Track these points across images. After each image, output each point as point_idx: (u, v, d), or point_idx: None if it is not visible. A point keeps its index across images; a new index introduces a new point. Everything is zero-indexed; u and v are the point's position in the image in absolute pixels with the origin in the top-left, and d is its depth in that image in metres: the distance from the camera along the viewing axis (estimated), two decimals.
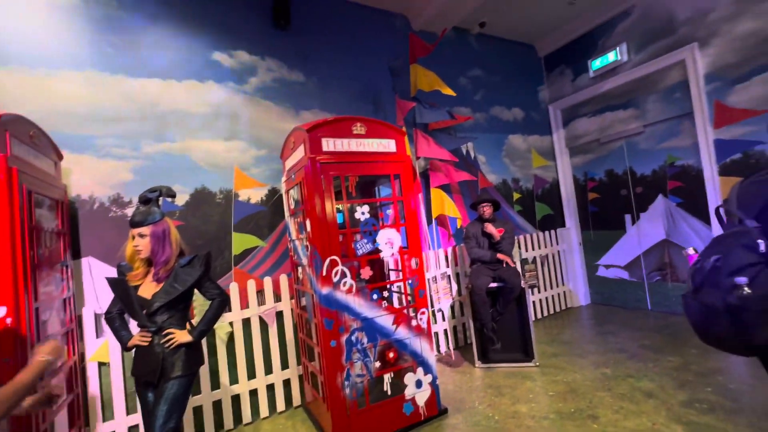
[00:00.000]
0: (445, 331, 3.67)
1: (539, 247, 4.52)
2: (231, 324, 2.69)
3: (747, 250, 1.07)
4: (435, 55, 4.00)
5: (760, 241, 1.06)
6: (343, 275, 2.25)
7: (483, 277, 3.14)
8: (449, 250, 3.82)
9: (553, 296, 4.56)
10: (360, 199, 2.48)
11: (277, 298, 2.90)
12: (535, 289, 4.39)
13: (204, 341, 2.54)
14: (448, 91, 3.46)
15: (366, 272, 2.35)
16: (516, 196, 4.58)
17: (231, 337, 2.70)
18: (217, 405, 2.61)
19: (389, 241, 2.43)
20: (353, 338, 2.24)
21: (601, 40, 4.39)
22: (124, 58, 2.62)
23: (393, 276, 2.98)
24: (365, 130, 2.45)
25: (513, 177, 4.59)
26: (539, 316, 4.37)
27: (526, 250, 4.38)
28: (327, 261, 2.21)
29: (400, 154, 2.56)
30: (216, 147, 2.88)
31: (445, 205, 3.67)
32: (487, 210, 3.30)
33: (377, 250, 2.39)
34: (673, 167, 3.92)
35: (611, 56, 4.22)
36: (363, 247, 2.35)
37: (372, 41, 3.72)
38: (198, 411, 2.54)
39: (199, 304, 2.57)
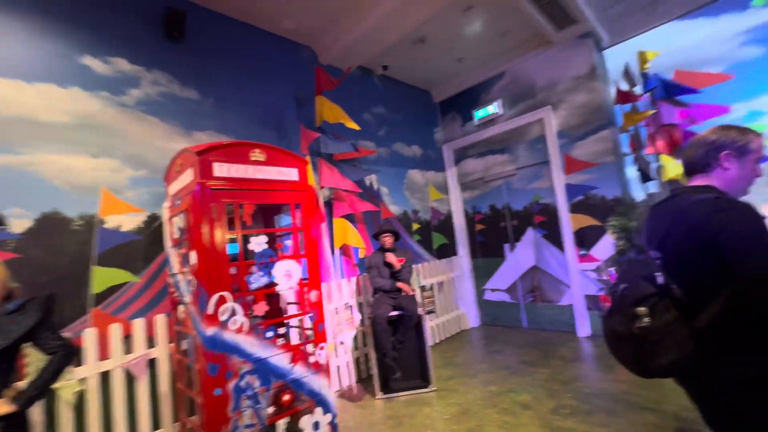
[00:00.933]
0: (348, 363, 3.58)
1: (436, 275, 4.84)
2: (83, 381, 2.18)
3: (647, 281, 1.13)
4: (342, 89, 4.15)
5: (657, 274, 1.12)
6: (233, 312, 2.04)
7: (384, 306, 3.20)
8: (353, 280, 3.82)
9: (448, 320, 4.88)
10: (256, 228, 2.33)
11: (151, 343, 2.47)
12: (433, 315, 4.65)
13: (40, 408, 2.01)
14: (353, 125, 3.59)
15: (260, 308, 2.18)
16: (415, 226, 4.89)
17: (82, 398, 2.18)
18: None
19: (287, 273, 2.31)
20: (243, 383, 2.02)
21: (483, 95, 5.13)
22: None
23: (292, 310, 2.83)
24: (265, 157, 2.35)
25: (413, 208, 4.91)
26: (436, 340, 4.61)
27: (425, 278, 4.65)
28: (214, 297, 1.98)
29: (302, 183, 2.51)
30: (78, 164, 2.42)
31: (349, 234, 3.70)
32: (388, 240, 3.42)
33: (274, 284, 2.25)
34: (539, 204, 4.69)
35: (490, 109, 4.95)
36: (258, 280, 2.18)
37: (278, 68, 3.69)
38: None
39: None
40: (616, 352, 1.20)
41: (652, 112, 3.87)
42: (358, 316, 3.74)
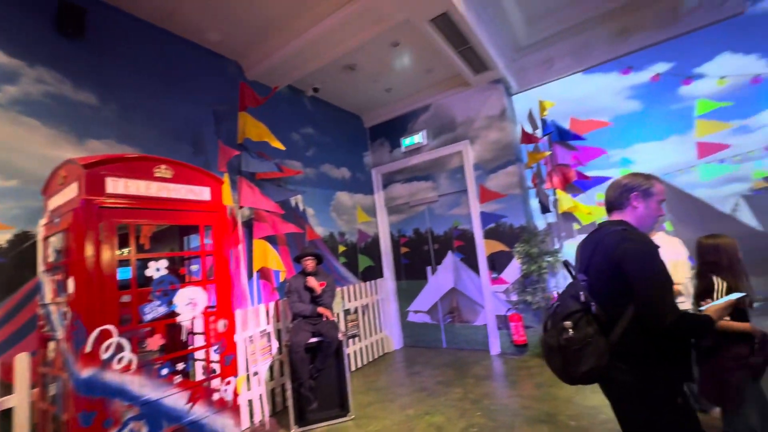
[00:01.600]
0: (261, 396, 3.33)
1: (361, 297, 4.83)
2: None
3: (573, 299, 1.32)
4: (269, 107, 4.05)
5: (581, 293, 1.32)
6: (119, 349, 1.79)
7: (302, 333, 3.08)
8: (271, 306, 3.62)
9: (372, 343, 4.87)
10: (155, 252, 2.10)
11: (7, 389, 2.03)
12: (356, 339, 4.60)
13: None
14: (278, 145, 3.50)
15: (155, 342, 1.94)
16: (341, 248, 4.86)
17: None
18: None
19: (192, 302, 2.11)
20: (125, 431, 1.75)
21: (409, 124, 5.42)
22: None
23: (199, 342, 2.57)
24: (172, 173, 2.17)
25: (339, 230, 4.89)
26: (359, 365, 4.55)
27: (349, 301, 4.61)
28: (95, 332, 1.72)
29: (215, 204, 2.36)
30: None
31: (269, 257, 3.54)
32: (309, 263, 3.34)
33: (174, 313, 2.03)
34: (458, 230, 5.02)
35: (416, 138, 5.24)
36: (153, 310, 1.95)
37: (199, 80, 3.48)
38: None
39: None
40: (549, 361, 1.36)
41: (548, 153, 4.46)
42: (275, 344, 3.54)
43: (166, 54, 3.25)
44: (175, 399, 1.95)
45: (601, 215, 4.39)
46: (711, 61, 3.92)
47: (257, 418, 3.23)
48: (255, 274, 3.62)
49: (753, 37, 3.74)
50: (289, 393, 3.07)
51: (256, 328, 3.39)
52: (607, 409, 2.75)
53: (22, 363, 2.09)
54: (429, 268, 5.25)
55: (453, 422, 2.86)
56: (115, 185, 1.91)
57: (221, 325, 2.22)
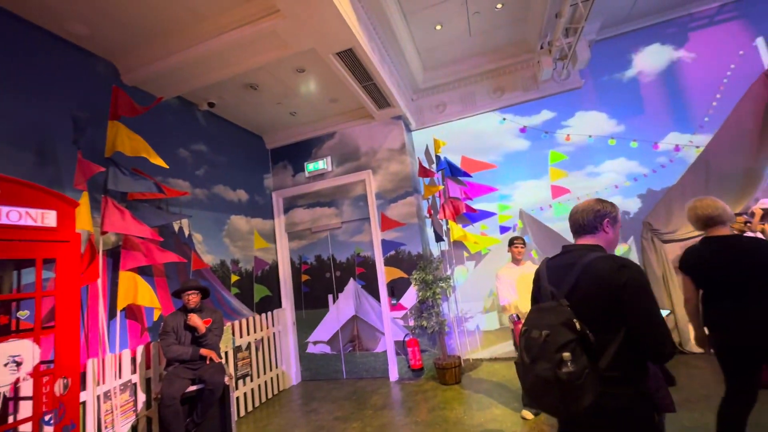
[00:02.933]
0: None
1: (255, 331, 4.43)
2: None
3: (566, 328, 1.19)
4: (151, 116, 3.57)
5: (573, 320, 1.20)
6: None
7: (178, 381, 2.65)
8: (139, 350, 3.05)
9: (266, 382, 4.46)
10: None
11: None
12: (248, 379, 4.16)
13: None
14: (159, 162, 3.06)
15: None
16: (234, 278, 4.43)
17: None
18: None
19: (14, 360, 1.62)
20: None
21: (314, 149, 5.38)
22: None
23: (26, 411, 1.97)
24: None
25: (233, 258, 4.47)
26: (249, 408, 4.10)
27: (241, 336, 4.18)
28: None
29: (64, 231, 1.91)
30: None
31: (139, 292, 2.99)
32: (192, 298, 2.94)
33: None
34: (359, 257, 5.06)
35: (321, 164, 5.21)
36: None
37: (54, 76, 2.88)
38: None
39: None
40: (543, 397, 1.21)
41: (441, 187, 4.89)
42: (142, 398, 2.96)
43: (11, 42, 2.62)
44: None
45: (487, 244, 4.94)
46: (572, 117, 4.84)
47: None
48: (119, 314, 3.02)
49: (600, 101, 4.75)
50: None
51: (116, 381, 2.79)
52: (491, 425, 3.00)
53: None
54: (330, 296, 5.13)
55: None
56: None
57: (60, 386, 1.75)
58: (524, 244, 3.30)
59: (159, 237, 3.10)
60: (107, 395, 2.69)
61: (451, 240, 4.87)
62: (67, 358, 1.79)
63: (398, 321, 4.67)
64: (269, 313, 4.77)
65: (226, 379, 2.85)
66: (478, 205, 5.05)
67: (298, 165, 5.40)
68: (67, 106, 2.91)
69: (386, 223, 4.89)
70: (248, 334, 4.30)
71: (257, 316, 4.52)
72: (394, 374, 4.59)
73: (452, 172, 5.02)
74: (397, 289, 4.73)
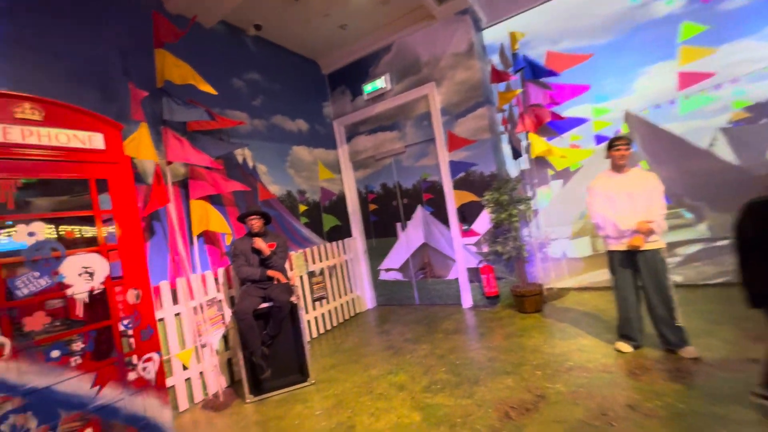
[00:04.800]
0: (215, 367, 3.10)
1: (327, 258, 4.57)
2: None
3: None
4: (202, 47, 3.50)
5: None
6: None
7: (250, 299, 2.80)
8: (220, 272, 3.31)
9: (341, 305, 4.68)
10: (26, 213, 1.70)
11: None
12: (324, 301, 4.39)
13: None
14: (207, 88, 2.99)
15: (36, 320, 1.60)
16: (302, 207, 4.50)
17: None
18: None
19: (87, 271, 1.76)
20: (4, 427, 1.46)
21: (371, 68, 4.89)
22: None
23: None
24: (42, 115, 1.72)
25: (299, 189, 4.50)
26: (328, 327, 4.37)
27: (314, 262, 4.34)
28: None
29: (112, 153, 1.94)
30: None
31: (211, 219, 3.16)
32: (255, 223, 3.00)
33: (62, 286, 1.68)
34: (426, 182, 4.70)
35: (379, 83, 4.75)
36: (30, 283, 1.60)
37: (105, 9, 2.88)
38: None
39: None
40: None
41: (519, 91, 4.08)
42: (228, 312, 3.27)
43: None
44: (74, 384, 1.66)
45: (577, 159, 4.14)
46: None
47: (212, 391, 3.02)
48: (200, 239, 3.26)
49: None
50: (242, 363, 2.84)
51: (204, 297, 3.08)
52: (575, 356, 2.65)
53: None
54: (399, 225, 4.98)
55: (416, 380, 2.71)
56: None
57: (132, 296, 1.89)
58: (629, 145, 2.55)
59: (218, 165, 3.15)
60: (201, 308, 3.01)
61: (532, 156, 4.17)
62: (134, 272, 1.92)
63: (470, 247, 4.34)
64: (340, 242, 4.85)
65: (293, 298, 2.94)
66: (568, 111, 4.15)
67: (356, 88, 5.01)
68: (121, 38, 2.92)
69: (454, 142, 4.36)
70: (320, 261, 4.45)
71: (328, 245, 4.63)
72: (467, 301, 4.40)
73: (534, 73, 4.13)
74: (468, 214, 4.33)
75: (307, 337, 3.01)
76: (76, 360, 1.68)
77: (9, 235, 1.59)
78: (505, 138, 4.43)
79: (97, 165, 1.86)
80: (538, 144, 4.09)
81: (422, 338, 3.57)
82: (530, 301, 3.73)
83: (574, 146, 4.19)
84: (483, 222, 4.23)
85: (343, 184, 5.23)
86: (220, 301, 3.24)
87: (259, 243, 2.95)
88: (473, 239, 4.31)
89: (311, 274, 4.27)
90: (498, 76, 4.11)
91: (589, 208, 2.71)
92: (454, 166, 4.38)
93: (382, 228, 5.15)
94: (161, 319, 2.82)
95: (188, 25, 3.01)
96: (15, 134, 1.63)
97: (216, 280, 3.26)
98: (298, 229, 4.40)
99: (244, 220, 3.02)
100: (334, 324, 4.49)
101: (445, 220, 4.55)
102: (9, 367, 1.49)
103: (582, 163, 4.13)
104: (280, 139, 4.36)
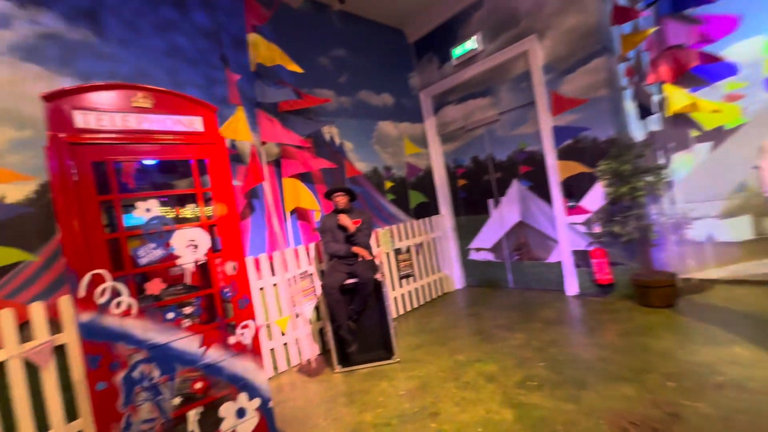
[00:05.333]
0: (308, 335, 3.30)
1: (414, 236, 4.46)
2: None
3: None
4: (288, 28, 3.58)
5: None
6: (115, 293, 1.69)
7: (336, 274, 2.86)
8: (312, 246, 3.46)
9: (429, 284, 4.56)
10: (143, 192, 1.93)
11: (58, 328, 2.18)
12: (411, 279, 4.32)
13: None
14: (294, 68, 3.05)
15: (154, 286, 1.83)
16: (388, 184, 4.44)
17: None
18: None
19: (192, 244, 1.94)
20: (135, 374, 1.72)
21: (460, 29, 4.44)
22: None
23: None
24: (152, 102, 1.90)
25: (384, 165, 4.43)
26: (414, 305, 4.31)
27: (400, 240, 4.27)
28: (86, 277, 1.63)
29: (209, 135, 2.07)
30: None
31: (301, 196, 3.29)
32: (340, 200, 3.01)
33: (173, 256, 1.88)
34: (524, 153, 4.17)
35: (469, 44, 4.29)
36: (149, 253, 1.82)
37: (208, 3, 3.11)
38: None
39: None
40: None
41: (653, 30, 3.22)
42: (319, 285, 3.42)
43: None
44: (186, 343, 1.87)
45: (734, 115, 3.16)
46: None
47: (306, 357, 3.23)
48: (292, 215, 3.45)
49: None
50: (330, 334, 2.95)
51: (297, 270, 3.27)
52: (728, 369, 2.05)
53: (65, 304, 2.20)
54: (491, 201, 4.57)
55: (507, 372, 2.45)
56: (86, 119, 1.71)
57: (229, 267, 2.04)
58: None
59: (306, 143, 3.22)
60: (295, 280, 3.21)
61: (668, 114, 3.30)
62: (231, 246, 2.06)
63: (578, 227, 3.74)
64: (427, 219, 4.68)
65: (378, 275, 2.91)
66: (725, 50, 3.15)
67: (444, 54, 4.63)
68: (219, 27, 3.14)
69: (559, 104, 3.72)
70: (407, 239, 4.36)
71: (415, 222, 4.50)
72: (572, 288, 3.85)
73: (675, 4, 3.20)
74: (575, 188, 3.71)
75: (393, 315, 2.97)
76: (186, 322, 1.90)
77: (131, 212, 1.82)
78: (628, 93, 3.61)
79: (197, 146, 2.01)
80: (678, 97, 3.21)
81: (516, 326, 3.24)
82: (658, 293, 3.05)
83: (734, 96, 3.19)
84: (595, 197, 3.57)
85: (430, 158, 4.99)
86: (311, 274, 3.41)
87: (344, 220, 2.96)
88: (581, 217, 3.70)
89: (398, 252, 4.23)
90: (622, 14, 3.30)
91: (763, 176, 2.00)
92: (559, 133, 3.75)
93: (471, 205, 4.80)
94: (262, 288, 3.08)
95: (274, 5, 3.06)
96: (132, 121, 1.84)
97: (308, 254, 3.43)
98: (385, 205, 4.36)
99: (329, 196, 3.06)
100: (421, 302, 4.41)
101: (545, 196, 4.00)
102: (135, 324, 1.74)
103: (746, 117, 3.13)
104: (366, 115, 4.30)
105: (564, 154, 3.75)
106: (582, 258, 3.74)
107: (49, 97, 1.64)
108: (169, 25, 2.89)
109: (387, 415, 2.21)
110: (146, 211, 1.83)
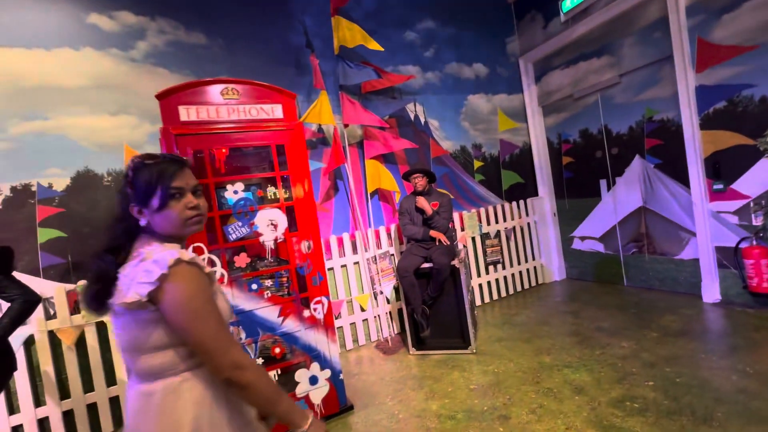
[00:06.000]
0: (388, 314, 3.38)
1: (505, 219, 4.10)
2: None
3: None
4: (373, 5, 3.51)
5: None
6: (211, 264, 1.97)
7: (411, 257, 2.81)
8: (392, 227, 3.48)
9: (520, 272, 4.17)
10: (232, 176, 2.15)
11: None
12: (499, 266, 4.02)
13: (94, 334, 2.36)
14: (374, 45, 3.00)
15: (241, 259, 2.06)
16: (477, 163, 4.13)
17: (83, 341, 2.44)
18: (115, 402, 2.45)
19: (272, 223, 2.11)
20: None
21: None
22: None
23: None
24: (239, 94, 2.09)
25: (474, 143, 4.12)
26: (502, 294, 4.01)
27: (488, 223, 3.98)
28: (190, 248, 1.92)
29: (288, 121, 2.20)
30: (101, 123, 2.59)
31: (382, 177, 3.30)
32: (419, 182, 2.91)
33: (257, 234, 2.09)
34: (652, 122, 3.37)
35: None
36: (236, 231, 2.05)
37: None
38: (93, 408, 2.39)
39: None
40: None
41: None
42: None
43: None
44: (267, 312, 2.08)
45: None
46: None
47: (384, 334, 3.33)
48: (375, 196, 3.50)
49: None
50: (406, 316, 2.96)
51: (377, 250, 3.34)
52: None
53: None
54: (603, 182, 3.87)
55: (602, 385, 2.09)
56: (188, 113, 1.97)
57: (305, 246, 2.17)
58: None
59: (386, 124, 3.18)
60: (373, 260, 3.29)
61: None
62: (306, 226, 2.19)
63: (727, 217, 2.90)
64: (522, 202, 4.24)
65: (455, 261, 2.76)
66: None
67: (550, 10, 3.98)
68: (304, 16, 3.26)
69: (709, 55, 2.85)
70: (496, 223, 4.03)
71: (507, 205, 4.12)
72: (711, 293, 3.05)
73: None
74: (727, 166, 2.86)
75: (475, 302, 2.82)
76: (267, 293, 2.11)
77: (222, 194, 2.07)
78: None
79: (277, 132, 2.15)
80: None
81: (624, 331, 2.73)
82: None
83: None
84: (756, 178, 2.70)
85: (528, 134, 4.45)
86: (392, 255, 3.44)
87: (422, 202, 2.87)
88: (733, 205, 2.85)
89: (485, 236, 3.95)
90: None
91: None
92: (706, 94, 2.90)
93: (578, 186, 4.15)
94: (344, 266, 3.24)
95: None
96: (223, 112, 2.05)
97: (389, 235, 3.46)
98: (473, 187, 4.08)
99: (408, 177, 2.99)
100: (510, 292, 4.08)
101: (680, 176, 3.19)
102: (226, 291, 2.00)
103: None
104: (454, 89, 4.02)
105: (711, 122, 2.90)
106: (730, 257, 2.90)
107: (161, 96, 1.93)
108: (265, 21, 3.12)
109: (453, 407, 2.13)
110: (234, 193, 2.05)
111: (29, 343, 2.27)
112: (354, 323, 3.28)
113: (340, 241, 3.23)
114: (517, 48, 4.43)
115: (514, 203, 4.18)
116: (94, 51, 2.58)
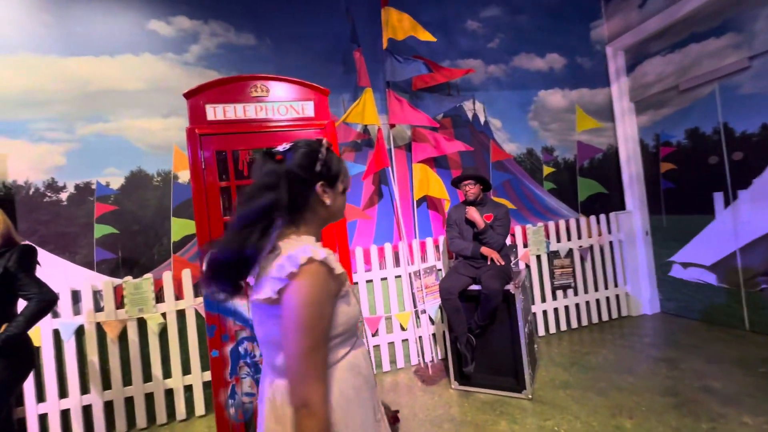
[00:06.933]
0: (429, 337, 3.02)
1: (580, 237, 3.45)
2: (164, 315, 2.52)
3: None
4: None
5: None
6: None
7: (457, 277, 2.42)
8: (441, 239, 3.11)
9: (598, 300, 3.48)
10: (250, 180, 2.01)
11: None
12: (570, 291, 3.39)
13: (135, 330, 2.43)
14: (427, 36, 2.68)
15: None
16: (547, 170, 3.55)
17: (165, 330, 2.53)
18: (150, 398, 2.49)
19: None
20: (240, 349, 1.84)
21: None
22: (56, 38, 2.53)
23: None
24: (268, 91, 1.95)
25: (544, 145, 3.56)
26: (573, 325, 3.37)
27: (558, 240, 3.38)
28: (208, 255, 1.82)
29: (320, 119, 2.00)
30: (153, 125, 2.68)
31: (431, 183, 2.95)
32: (470, 189, 2.51)
33: None
34: None
35: None
36: None
37: None
38: (129, 402, 2.45)
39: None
40: None
41: None
42: None
43: None
44: None
45: None
46: None
47: (426, 358, 2.97)
48: (423, 204, 3.17)
49: None
50: (449, 344, 2.58)
51: (421, 264, 3.01)
52: None
53: (186, 276, 2.58)
54: (719, 196, 3.03)
55: None
56: (215, 112, 1.88)
57: None
58: None
59: (436, 124, 2.83)
60: (416, 275, 2.97)
61: None
62: (331, 234, 1.96)
63: None
64: (603, 216, 3.54)
65: (510, 286, 2.30)
66: None
67: None
68: (352, 10, 3.07)
69: None
70: (569, 240, 3.41)
71: (583, 219, 3.48)
72: None
73: None
74: None
75: (535, 334, 2.33)
76: None
77: None
78: None
79: (307, 131, 1.97)
80: None
81: (747, 399, 2.01)
82: None
83: None
84: None
85: (615, 134, 3.72)
86: (439, 270, 3.07)
87: (473, 213, 2.46)
88: None
89: (554, 255, 3.36)
90: None
91: None
92: None
93: (682, 199, 3.33)
94: (384, 278, 2.96)
95: None
96: (251, 111, 1.93)
97: (436, 247, 3.10)
98: (540, 197, 3.52)
99: (458, 184, 2.60)
100: (583, 323, 3.41)
101: None
102: (243, 303, 1.85)
103: None
104: (522, 84, 3.51)
105: None
106: None
107: (188, 95, 1.86)
108: (313, 19, 3.00)
109: None
110: None
111: (80, 333, 2.39)
112: (393, 342, 2.98)
113: (381, 252, 2.96)
114: (605, 33, 3.74)
115: (593, 217, 3.51)
116: (152, 56, 2.68)
